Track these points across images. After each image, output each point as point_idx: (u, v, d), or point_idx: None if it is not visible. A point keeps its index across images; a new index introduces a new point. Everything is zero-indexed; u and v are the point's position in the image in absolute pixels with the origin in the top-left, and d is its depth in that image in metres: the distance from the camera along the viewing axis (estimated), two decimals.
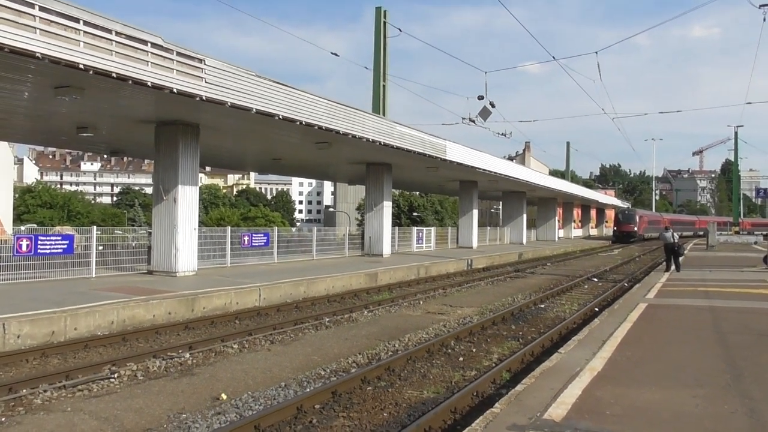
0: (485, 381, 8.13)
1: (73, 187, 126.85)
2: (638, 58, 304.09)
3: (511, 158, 68.97)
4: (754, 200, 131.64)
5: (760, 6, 24.04)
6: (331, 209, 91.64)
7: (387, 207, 27.80)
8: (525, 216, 47.78)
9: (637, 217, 64.35)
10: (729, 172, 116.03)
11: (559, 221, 61.71)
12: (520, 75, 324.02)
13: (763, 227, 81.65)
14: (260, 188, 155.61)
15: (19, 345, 9.77)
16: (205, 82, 13.61)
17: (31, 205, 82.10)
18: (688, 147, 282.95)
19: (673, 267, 22.02)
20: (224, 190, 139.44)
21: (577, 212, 73.72)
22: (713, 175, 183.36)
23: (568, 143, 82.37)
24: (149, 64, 12.27)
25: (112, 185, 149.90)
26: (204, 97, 13.60)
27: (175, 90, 12.87)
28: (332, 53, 50.59)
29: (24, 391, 7.58)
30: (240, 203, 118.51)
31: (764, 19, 24.23)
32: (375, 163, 27.24)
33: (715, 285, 17.09)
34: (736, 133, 64.96)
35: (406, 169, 29.08)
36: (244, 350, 10.31)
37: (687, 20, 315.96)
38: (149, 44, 12.30)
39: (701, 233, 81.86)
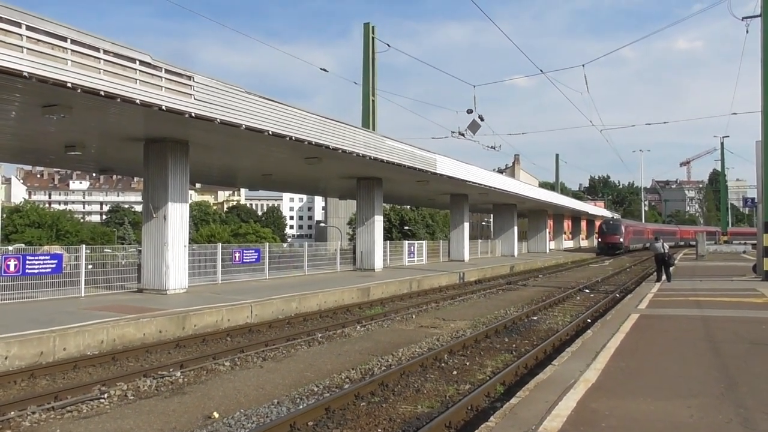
0: (479, 394, 8.09)
1: (62, 206, 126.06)
2: (624, 70, 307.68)
3: (500, 171, 69.34)
4: (741, 209, 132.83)
5: (743, 18, 24.41)
6: (322, 224, 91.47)
7: (378, 221, 27.80)
8: (516, 228, 47.92)
9: (623, 228, 60.28)
10: (716, 182, 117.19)
11: (549, 233, 61.70)
12: (509, 88, 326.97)
13: (743, 236, 79.42)
14: (251, 204, 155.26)
15: (7, 366, 9.63)
16: (194, 98, 13.60)
17: (19, 224, 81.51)
18: (676, 158, 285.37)
19: (663, 277, 22.12)
20: (214, 207, 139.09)
21: (567, 224, 73.88)
22: (701, 186, 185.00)
23: (557, 155, 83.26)
24: (138, 81, 12.25)
25: (101, 204, 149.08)
26: (193, 114, 13.59)
27: (164, 107, 12.86)
28: (321, 69, 50.62)
29: (12, 413, 7.46)
30: (230, 220, 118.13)
31: (747, 31, 24.62)
32: (365, 178, 27.27)
33: (706, 294, 17.16)
34: (722, 144, 65.93)
35: (397, 183, 29.13)
36: (236, 368, 10.21)
37: (671, 33, 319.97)
38: (137, 62, 12.30)
39: (682, 243, 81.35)
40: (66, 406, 7.83)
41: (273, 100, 16.16)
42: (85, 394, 8.35)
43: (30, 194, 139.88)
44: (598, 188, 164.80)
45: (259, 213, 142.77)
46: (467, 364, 10.51)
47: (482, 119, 27.38)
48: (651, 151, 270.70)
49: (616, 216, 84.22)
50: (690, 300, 15.96)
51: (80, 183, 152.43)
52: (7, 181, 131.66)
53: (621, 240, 58.31)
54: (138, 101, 12.25)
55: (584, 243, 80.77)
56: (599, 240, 60.90)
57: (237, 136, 16.08)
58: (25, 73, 10.18)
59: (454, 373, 9.85)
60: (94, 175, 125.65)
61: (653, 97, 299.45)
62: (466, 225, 38.24)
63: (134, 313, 12.96)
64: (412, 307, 18.01)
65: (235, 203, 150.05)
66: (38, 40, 10.42)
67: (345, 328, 14.14)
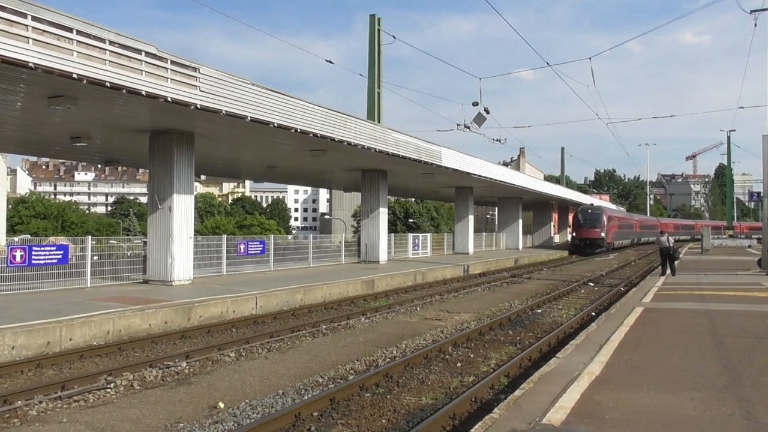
0: (483, 386, 8.11)
1: (67, 198, 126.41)
2: (631, 64, 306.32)
3: (506, 164, 69.04)
4: (747, 204, 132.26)
5: (752, 11, 24.25)
6: (327, 216, 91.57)
7: (383, 214, 27.80)
8: (521, 221, 47.82)
9: (605, 218, 46.47)
10: (722, 176, 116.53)
11: (554, 226, 61.34)
12: (514, 81, 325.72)
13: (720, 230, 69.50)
14: (255, 196, 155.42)
15: (14, 356, 9.70)
16: (200, 90, 13.60)
17: (25, 215, 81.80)
18: (682, 151, 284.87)
19: (668, 271, 22.10)
20: (219, 199, 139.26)
21: (572, 217, 73.02)
22: (707, 180, 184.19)
23: (562, 149, 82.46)
24: (143, 73, 12.26)
25: (106, 195, 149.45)
26: (198, 106, 13.59)
27: (169, 99, 12.86)
28: (327, 61, 50.51)
29: (19, 402, 7.52)
30: (235, 211, 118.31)
31: (755, 24, 24.47)
32: (370, 170, 27.26)
33: (710, 288, 17.14)
34: (728, 138, 65.33)
35: (402, 175, 29.11)
36: (241, 358, 10.26)
37: (678, 26, 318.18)
38: (143, 53, 12.30)
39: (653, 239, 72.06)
40: (73, 395, 7.89)
41: (278, 92, 16.15)
42: (91, 383, 8.41)
43: (35, 185, 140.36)
44: (603, 182, 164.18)
45: (264, 205, 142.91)
46: (471, 356, 10.54)
47: (488, 112, 27.32)
48: (657, 144, 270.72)
49: (621, 209, 77.93)
50: (694, 294, 15.95)
51: (85, 174, 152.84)
52: (13, 172, 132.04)
53: (602, 234, 45.67)
54: (143, 92, 12.26)
55: None
56: (573, 234, 48.11)
57: (242, 128, 16.09)
58: (30, 64, 10.20)
59: (459, 365, 9.88)
60: (99, 166, 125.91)
61: (660, 90, 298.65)
62: (471, 218, 38.22)
63: (140, 304, 13.03)
64: (417, 299, 18.03)
65: (239, 195, 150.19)
66: (43, 31, 10.43)
67: (349, 320, 14.18)
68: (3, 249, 17.26)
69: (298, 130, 16.78)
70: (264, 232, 75.83)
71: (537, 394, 6.47)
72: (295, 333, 12.38)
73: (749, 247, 47.59)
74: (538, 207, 56.43)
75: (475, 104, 26.91)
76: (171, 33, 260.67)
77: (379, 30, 27.49)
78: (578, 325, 13.24)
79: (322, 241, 28.48)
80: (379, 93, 27.57)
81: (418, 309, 16.32)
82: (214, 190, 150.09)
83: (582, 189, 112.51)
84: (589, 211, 47.46)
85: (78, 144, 17.43)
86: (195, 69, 13.55)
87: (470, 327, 13.18)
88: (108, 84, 11.52)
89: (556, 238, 62.27)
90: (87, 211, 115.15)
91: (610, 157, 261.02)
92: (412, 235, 35.26)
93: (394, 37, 28.51)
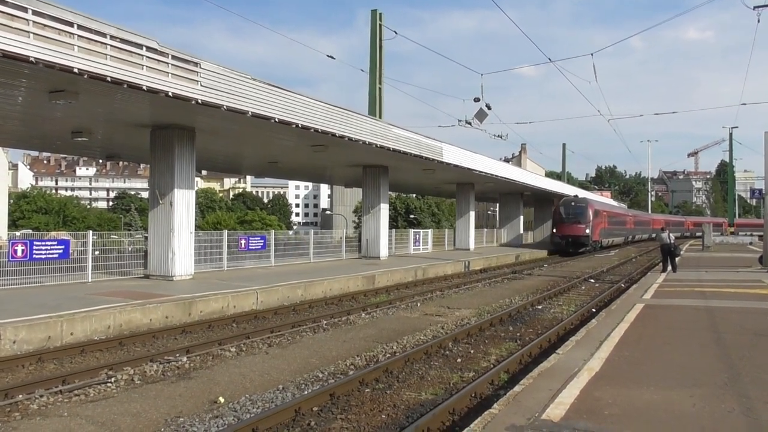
0: (483, 382, 8.13)
1: (69, 192, 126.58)
2: (633, 60, 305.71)
3: (507, 160, 68.92)
4: (748, 201, 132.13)
5: (755, 7, 24.09)
6: (328, 212, 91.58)
7: (384, 209, 27.79)
8: (522, 218, 47.79)
9: (590, 212, 40.29)
10: (724, 173, 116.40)
11: None
12: (516, 77, 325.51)
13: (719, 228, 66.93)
14: (257, 192, 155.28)
15: (15, 350, 9.72)
16: (201, 85, 13.59)
17: (27, 210, 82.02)
18: (684, 148, 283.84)
19: (669, 268, 22.10)
20: (220, 194, 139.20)
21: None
22: (708, 176, 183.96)
23: (564, 145, 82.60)
24: (144, 68, 12.24)
25: (107, 190, 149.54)
26: (199, 101, 13.58)
27: (170, 94, 12.85)
28: (328, 56, 50.47)
29: (20, 396, 7.54)
30: (236, 207, 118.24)
31: (758, 21, 24.32)
32: (371, 166, 27.24)
33: (711, 285, 17.13)
34: (731, 135, 65.08)
35: (403, 171, 29.09)
36: (242, 353, 10.28)
37: (680, 22, 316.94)
38: (144, 48, 12.28)
39: (654, 235, 68.85)
40: (73, 389, 7.92)
41: (279, 87, 16.13)
42: (92, 378, 8.43)
43: (37, 180, 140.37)
44: (604, 178, 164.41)
45: (265, 200, 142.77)
46: (471, 352, 10.55)
47: (489, 108, 27.27)
48: (659, 141, 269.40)
49: (623, 206, 75.95)
50: (695, 291, 15.94)
51: (87, 169, 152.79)
52: (14, 167, 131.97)
53: (586, 231, 39.75)
54: (144, 87, 12.24)
55: None
56: (554, 230, 41.81)
57: (243, 123, 16.08)
58: (31, 59, 10.18)
59: (459, 360, 9.89)
60: (100, 161, 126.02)
61: (662, 87, 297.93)
62: (472, 214, 38.20)
63: (141, 298, 13.04)
64: (417, 295, 18.05)
65: (241, 190, 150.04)
66: (45, 25, 10.41)
67: (350, 315, 14.20)
68: (4, 243, 17.31)
69: (300, 126, 16.77)
70: (265, 227, 75.84)
71: (537, 390, 6.47)
72: (296, 328, 12.40)
73: (750, 244, 47.54)
74: (539, 203, 56.30)
75: (477, 100, 26.85)
76: (172, 28, 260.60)
77: (380, 25, 27.41)
78: (578, 322, 13.26)
79: (323, 237, 28.53)
80: (380, 88, 27.50)
81: (419, 305, 16.33)
82: (215, 186, 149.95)
83: (583, 185, 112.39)
84: (573, 203, 41.73)
85: (79, 139, 17.43)
86: (196, 64, 13.53)
87: (470, 323, 13.19)
88: (109, 79, 11.50)
89: None
90: (88, 206, 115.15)
91: (612, 153, 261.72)
92: (413, 231, 35.26)
93: (396, 33, 28.38)
